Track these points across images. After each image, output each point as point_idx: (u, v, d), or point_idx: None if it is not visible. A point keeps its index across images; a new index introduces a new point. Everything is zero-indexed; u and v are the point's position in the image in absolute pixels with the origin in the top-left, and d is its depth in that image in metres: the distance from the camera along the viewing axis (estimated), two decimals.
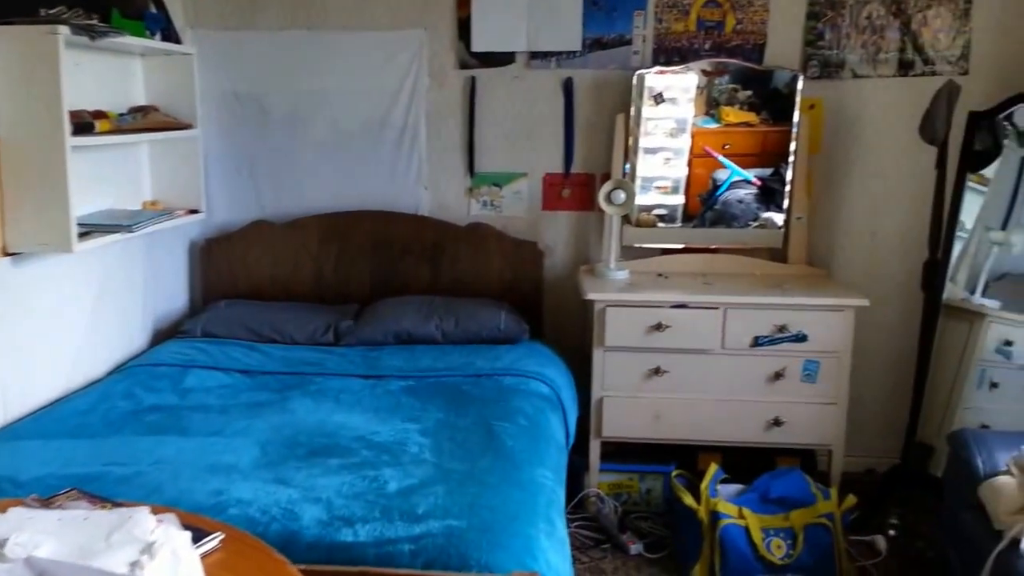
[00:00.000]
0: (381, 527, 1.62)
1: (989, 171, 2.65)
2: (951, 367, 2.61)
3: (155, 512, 1.29)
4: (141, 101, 2.74)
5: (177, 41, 2.80)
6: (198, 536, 1.27)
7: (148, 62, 2.76)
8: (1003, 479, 1.80)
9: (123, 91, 2.66)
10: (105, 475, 1.82)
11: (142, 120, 2.56)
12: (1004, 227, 2.64)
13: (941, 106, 2.46)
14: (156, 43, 2.61)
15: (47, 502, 1.40)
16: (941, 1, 2.76)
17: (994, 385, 2.56)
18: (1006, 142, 2.60)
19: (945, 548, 2.03)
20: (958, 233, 2.64)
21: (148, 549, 1.16)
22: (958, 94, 2.48)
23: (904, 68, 2.81)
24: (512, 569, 1.51)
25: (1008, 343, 2.55)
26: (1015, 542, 1.65)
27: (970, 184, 2.64)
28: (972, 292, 2.64)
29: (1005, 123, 2.58)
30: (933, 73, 2.78)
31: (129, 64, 2.70)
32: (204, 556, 1.24)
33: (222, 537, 1.29)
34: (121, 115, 2.50)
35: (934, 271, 2.60)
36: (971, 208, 2.66)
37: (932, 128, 2.49)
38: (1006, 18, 2.74)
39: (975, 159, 2.60)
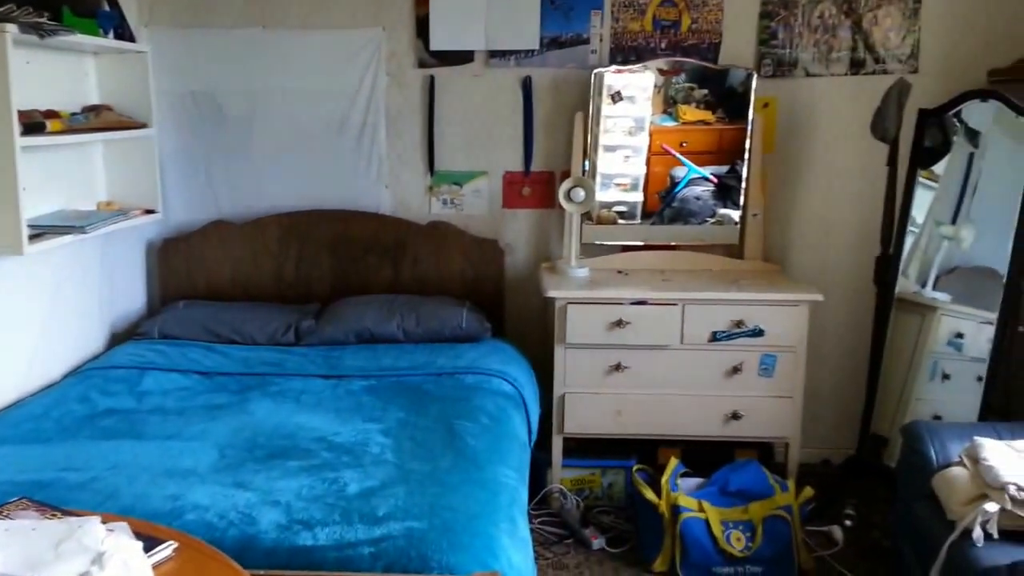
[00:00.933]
0: (341, 530, 1.61)
1: (939, 167, 2.72)
2: (904, 360, 2.68)
3: (106, 521, 1.27)
4: (94, 100, 2.69)
5: (131, 40, 2.75)
6: (150, 545, 1.26)
7: (101, 61, 2.71)
8: (956, 470, 1.85)
9: (76, 90, 2.61)
10: (59, 481, 1.78)
11: (95, 120, 2.52)
12: (954, 222, 2.71)
13: (891, 104, 2.53)
14: (109, 41, 2.56)
15: None
16: (891, 1, 2.83)
17: (946, 377, 2.62)
18: (955, 139, 2.67)
19: (899, 538, 2.08)
20: (909, 228, 2.70)
21: (98, 559, 1.15)
22: (908, 92, 2.54)
23: (856, 67, 2.87)
24: (473, 569, 1.52)
25: (959, 335, 2.62)
26: (967, 532, 1.69)
27: (921, 180, 2.70)
28: (923, 286, 2.71)
29: (954, 120, 2.64)
30: (884, 72, 2.85)
31: (82, 63, 2.65)
32: (156, 566, 1.23)
33: (175, 546, 1.27)
34: (74, 115, 2.45)
35: (886, 265, 2.67)
36: (922, 203, 2.72)
37: (883, 126, 2.55)
38: (954, 17, 2.82)
39: (925, 156, 2.66)
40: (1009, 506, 1.68)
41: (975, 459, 1.79)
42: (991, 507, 1.68)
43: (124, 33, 2.70)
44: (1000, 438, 1.91)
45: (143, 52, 2.73)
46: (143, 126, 2.72)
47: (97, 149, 2.73)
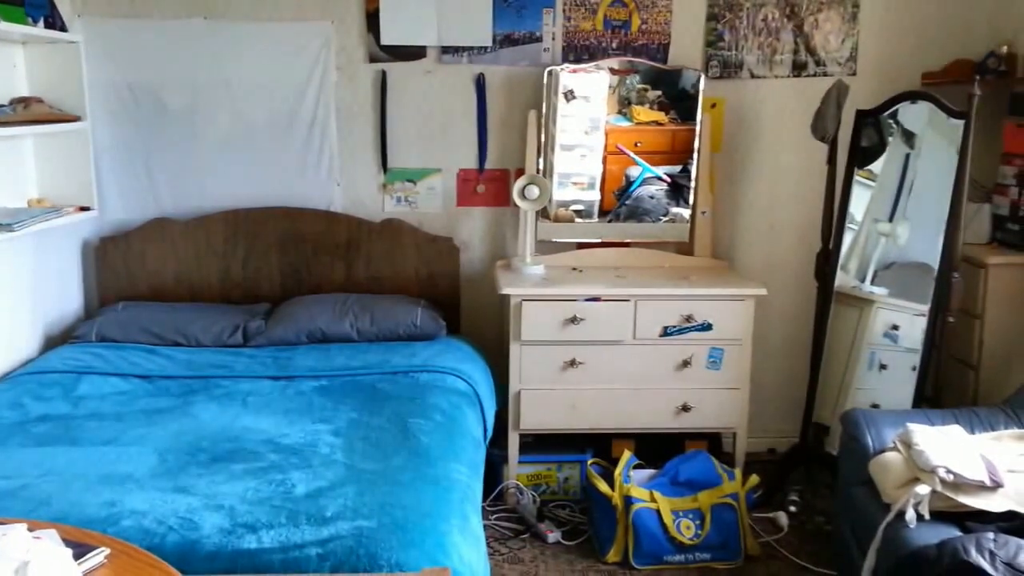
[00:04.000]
0: (287, 532, 1.58)
1: (877, 166, 2.82)
2: (844, 351, 2.77)
3: (33, 528, 1.21)
4: (23, 92, 2.59)
5: (63, 29, 2.64)
6: (81, 552, 1.21)
7: (30, 51, 2.61)
8: (890, 455, 1.93)
9: (4, 82, 2.52)
10: None
11: (24, 112, 2.42)
12: (891, 220, 2.82)
13: (830, 105, 2.61)
14: (38, 31, 2.47)
15: None
16: (831, 5, 2.92)
17: (883, 367, 2.72)
18: (891, 139, 2.77)
19: (840, 521, 2.15)
20: (849, 225, 2.79)
21: (23, 568, 1.10)
22: (846, 93, 2.63)
23: (798, 69, 2.96)
24: (424, 566, 1.51)
25: (895, 327, 2.72)
26: (901, 514, 1.76)
27: (859, 179, 2.80)
28: (862, 281, 2.80)
29: (891, 121, 2.75)
30: (824, 74, 2.94)
31: (9, 52, 2.55)
32: (88, 573, 1.18)
33: (107, 552, 1.23)
34: (1, 107, 2.37)
35: (826, 260, 2.76)
36: (861, 202, 2.82)
37: (822, 126, 2.63)
38: (890, 22, 2.92)
39: (862, 155, 2.76)
40: (939, 488, 1.75)
41: (908, 444, 1.86)
42: (922, 490, 1.75)
43: (55, 22, 2.60)
44: (932, 424, 1.99)
45: (75, 42, 2.64)
46: (76, 119, 2.63)
47: (27, 143, 2.63)
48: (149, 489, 1.74)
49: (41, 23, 2.49)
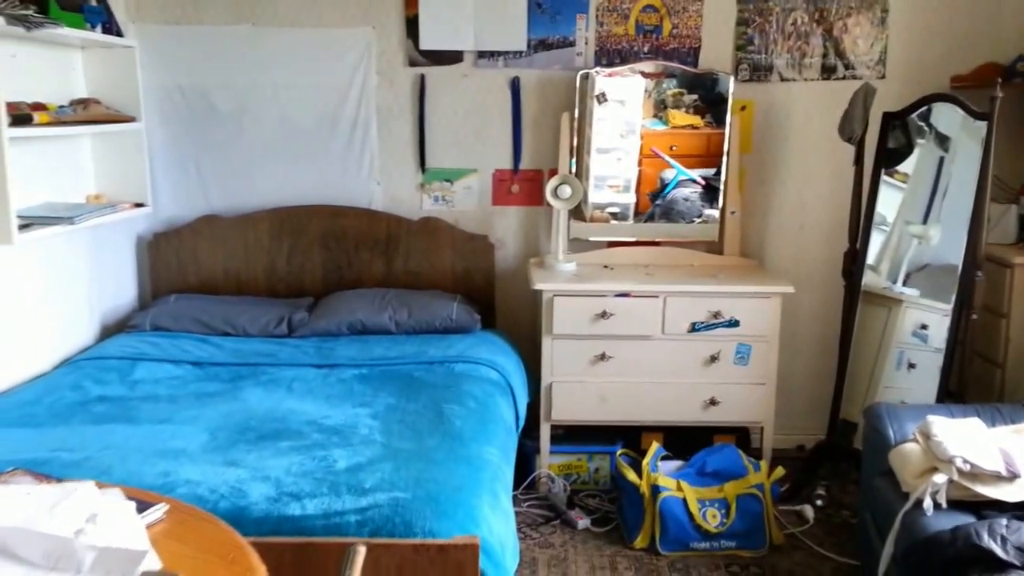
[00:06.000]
0: (329, 501, 1.68)
1: (908, 168, 2.83)
2: (872, 349, 2.78)
3: (99, 487, 1.31)
4: (82, 94, 2.72)
5: (118, 34, 2.78)
6: (142, 507, 1.29)
7: (89, 55, 2.74)
8: (909, 445, 1.95)
9: (64, 84, 2.64)
10: (53, 460, 1.83)
11: (83, 113, 2.53)
12: (924, 221, 2.82)
13: (857, 107, 2.64)
14: (96, 35, 2.58)
15: None
16: (860, 10, 2.95)
17: (912, 366, 2.73)
18: (924, 142, 2.78)
19: (862, 512, 2.18)
20: (880, 227, 2.81)
21: (92, 518, 1.18)
22: (873, 96, 2.66)
23: (827, 72, 3.00)
24: (455, 535, 1.60)
25: (924, 327, 2.73)
26: (919, 503, 1.79)
27: (891, 181, 2.81)
28: (894, 282, 2.80)
29: (921, 124, 2.76)
30: (854, 77, 2.97)
31: (69, 57, 2.68)
32: (149, 526, 1.26)
33: (166, 508, 1.31)
34: (61, 107, 2.47)
35: (852, 259, 2.79)
36: (891, 203, 2.84)
37: (849, 127, 2.67)
38: (919, 26, 2.94)
39: (889, 156, 2.78)
40: (956, 477, 1.78)
41: (927, 435, 1.89)
42: (940, 479, 1.78)
43: (111, 28, 2.73)
44: (953, 418, 2.01)
45: (130, 47, 2.76)
46: (131, 120, 2.74)
47: (85, 143, 2.76)
48: (201, 462, 1.85)
49: (99, 29, 2.61)
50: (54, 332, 2.61)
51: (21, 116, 2.20)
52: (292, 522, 1.63)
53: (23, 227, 2.19)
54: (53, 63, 2.59)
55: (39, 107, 2.33)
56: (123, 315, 2.98)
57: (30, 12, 2.18)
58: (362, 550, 1.21)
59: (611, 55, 3.00)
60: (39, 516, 1.19)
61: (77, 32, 2.44)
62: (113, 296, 2.97)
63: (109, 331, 2.89)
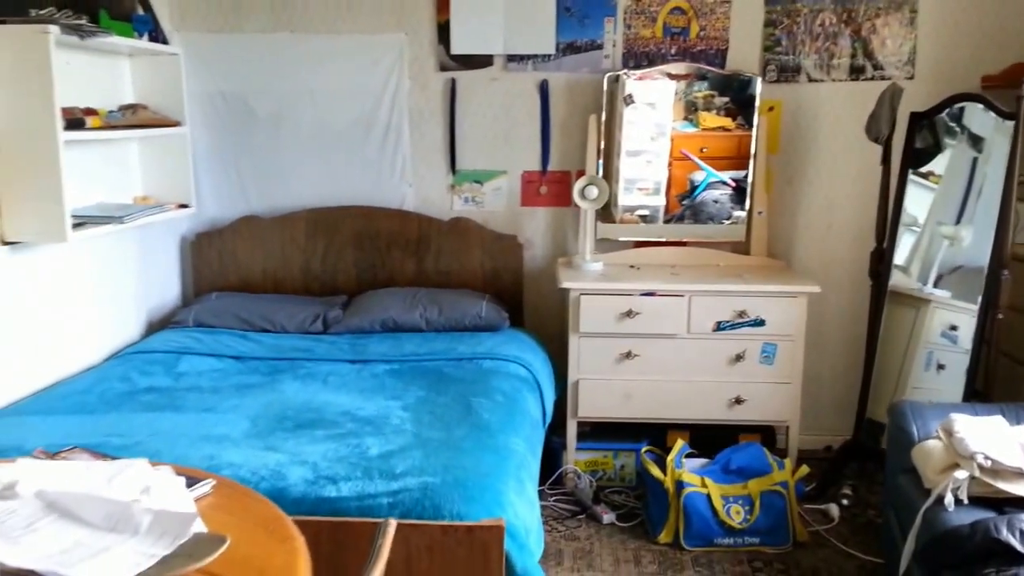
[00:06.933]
0: (362, 484, 1.77)
1: (940, 168, 2.82)
2: (899, 350, 2.78)
3: (151, 465, 1.41)
4: (130, 100, 2.83)
5: (164, 42, 2.90)
6: (191, 482, 1.39)
7: (136, 62, 2.86)
8: (931, 443, 1.96)
9: (112, 90, 2.76)
10: (104, 444, 1.93)
11: (131, 117, 2.65)
12: (958, 222, 2.80)
13: (884, 107, 2.64)
14: (144, 43, 2.70)
15: (52, 456, 1.53)
16: (888, 11, 2.95)
17: (941, 367, 2.71)
18: (953, 143, 2.76)
19: (886, 509, 2.19)
20: (912, 227, 2.80)
21: (146, 490, 1.28)
22: (900, 96, 2.66)
23: (855, 73, 3.00)
24: (482, 518, 1.67)
25: (953, 328, 2.71)
26: (940, 499, 1.80)
27: (923, 182, 2.80)
28: (924, 283, 2.79)
29: (952, 124, 2.74)
30: (883, 77, 2.97)
31: (118, 64, 2.80)
32: (198, 500, 1.35)
33: (214, 484, 1.40)
34: (111, 112, 2.59)
35: (879, 259, 2.79)
36: (922, 204, 2.82)
37: (876, 127, 2.67)
38: (948, 26, 2.93)
39: (916, 156, 2.77)
40: (977, 473, 1.78)
41: (949, 432, 1.90)
42: (961, 475, 1.79)
43: (157, 36, 2.85)
44: (976, 416, 2.01)
45: (175, 54, 2.88)
46: (176, 124, 2.85)
47: (133, 146, 2.88)
48: (243, 447, 1.95)
49: (146, 37, 2.73)
50: (104, 326, 2.74)
51: (75, 120, 2.31)
52: (328, 503, 1.72)
53: (76, 226, 2.29)
54: (103, 70, 2.71)
55: (91, 112, 2.44)
56: (167, 311, 3.11)
57: (83, 22, 2.29)
58: (393, 523, 1.28)
59: (638, 57, 3.04)
60: (98, 487, 1.28)
61: (126, 40, 2.55)
62: (158, 293, 3.10)
63: (154, 327, 3.02)
